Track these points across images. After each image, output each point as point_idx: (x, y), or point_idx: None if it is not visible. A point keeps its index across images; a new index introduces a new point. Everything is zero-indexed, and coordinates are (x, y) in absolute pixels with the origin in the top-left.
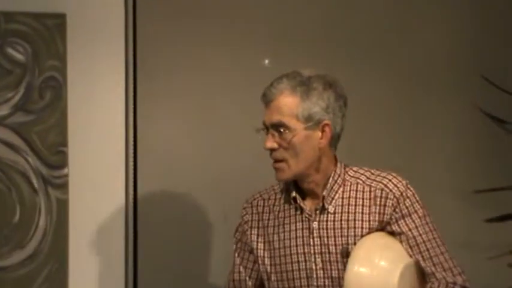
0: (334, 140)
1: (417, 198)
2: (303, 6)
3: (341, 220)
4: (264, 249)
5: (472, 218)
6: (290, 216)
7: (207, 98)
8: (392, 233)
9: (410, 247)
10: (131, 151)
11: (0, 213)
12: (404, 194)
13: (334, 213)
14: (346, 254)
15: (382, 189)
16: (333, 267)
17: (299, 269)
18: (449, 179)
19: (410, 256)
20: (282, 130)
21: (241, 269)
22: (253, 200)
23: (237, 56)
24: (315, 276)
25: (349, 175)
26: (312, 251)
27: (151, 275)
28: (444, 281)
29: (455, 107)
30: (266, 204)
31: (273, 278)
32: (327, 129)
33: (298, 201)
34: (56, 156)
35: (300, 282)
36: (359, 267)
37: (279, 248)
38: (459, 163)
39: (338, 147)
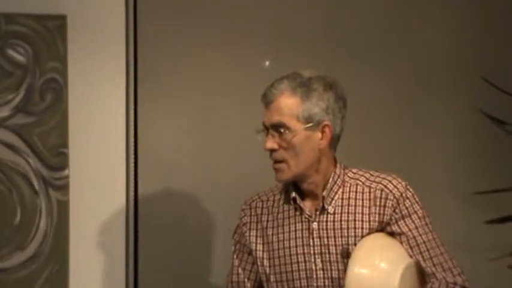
0: (334, 141)
1: (417, 199)
2: (303, 6)
3: (341, 220)
4: (263, 251)
5: (472, 220)
6: (289, 217)
7: (207, 98)
8: (392, 234)
9: (411, 247)
10: (132, 152)
11: (1, 215)
12: (404, 194)
13: (334, 213)
14: (346, 255)
15: (382, 190)
16: (332, 267)
17: (299, 270)
18: (449, 179)
19: (411, 256)
20: (282, 131)
21: (240, 270)
22: (252, 202)
23: (237, 56)
24: (314, 276)
25: (349, 176)
26: (312, 252)
27: (152, 276)
28: (444, 281)
29: (455, 107)
30: (265, 205)
31: (272, 279)
32: (327, 130)
33: (298, 201)
34: (56, 158)
35: (300, 282)
36: (359, 269)
37: (279, 249)
38: (459, 164)
39: (338, 148)
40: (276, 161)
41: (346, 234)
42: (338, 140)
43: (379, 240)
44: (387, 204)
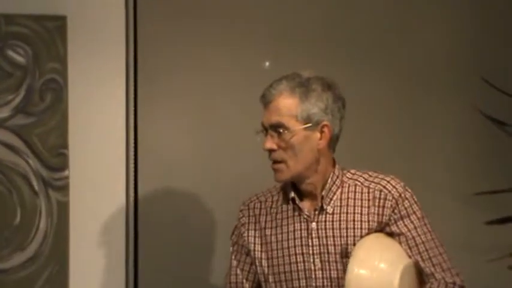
0: (333, 142)
1: (415, 200)
2: (303, 6)
3: (340, 220)
4: (261, 251)
5: (472, 220)
6: (288, 217)
7: (207, 99)
8: (391, 234)
9: (410, 248)
10: (132, 153)
11: (1, 216)
12: (403, 195)
13: (333, 213)
14: (345, 254)
15: (380, 191)
16: (331, 267)
17: (297, 270)
18: (449, 180)
19: (410, 257)
20: (281, 131)
21: (238, 271)
22: (250, 203)
23: (237, 56)
24: (313, 276)
25: (347, 177)
26: (311, 252)
27: (152, 277)
28: (443, 281)
29: (455, 107)
30: (263, 206)
31: (270, 280)
32: (325, 130)
33: (297, 201)
34: (56, 159)
35: (299, 282)
36: (359, 269)
37: (277, 249)
38: (459, 164)
39: (338, 148)
40: (275, 161)
41: (345, 234)
42: (337, 140)
43: (378, 240)
44: (386, 205)
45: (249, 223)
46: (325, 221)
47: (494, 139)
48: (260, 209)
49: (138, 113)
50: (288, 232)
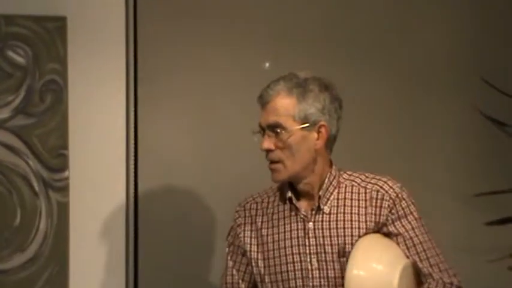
0: (330, 142)
1: (412, 200)
2: (303, 6)
3: (337, 220)
4: (257, 251)
5: (472, 221)
6: (284, 217)
7: (207, 98)
8: (388, 234)
9: (408, 248)
10: (132, 153)
11: (1, 216)
12: (400, 195)
13: (330, 213)
14: (342, 254)
15: (377, 191)
16: (328, 267)
17: (294, 270)
18: (449, 180)
19: (407, 257)
20: (278, 131)
21: (234, 271)
22: (246, 204)
23: (237, 56)
24: (310, 276)
25: (344, 178)
26: (308, 251)
27: (152, 278)
28: (441, 281)
29: (455, 107)
30: (259, 207)
31: (267, 280)
32: (323, 130)
33: (294, 201)
34: (56, 159)
35: (296, 282)
36: (358, 271)
37: (274, 249)
38: (459, 165)
39: (338, 148)
40: (272, 162)
41: (342, 233)
42: (334, 140)
43: (376, 241)
44: (383, 205)
45: (245, 224)
46: (322, 221)
47: (494, 139)
48: (256, 209)
49: (138, 113)
50: (284, 232)
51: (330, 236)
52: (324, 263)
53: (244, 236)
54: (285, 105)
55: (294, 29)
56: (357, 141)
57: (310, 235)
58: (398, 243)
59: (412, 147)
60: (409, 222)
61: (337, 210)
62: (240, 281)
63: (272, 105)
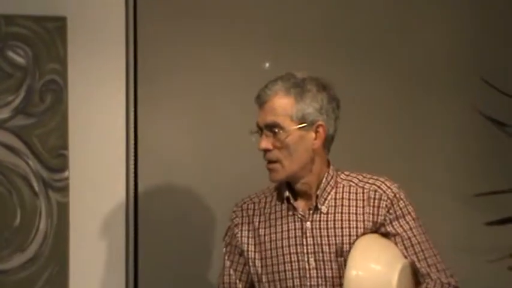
0: (328, 142)
1: (410, 201)
2: (303, 6)
3: (334, 220)
4: (254, 251)
5: (472, 221)
6: (282, 217)
7: (207, 98)
8: (386, 235)
9: (406, 248)
10: (132, 152)
11: (1, 217)
12: (397, 195)
13: (327, 213)
14: (340, 253)
15: (375, 191)
16: (326, 266)
17: (292, 269)
18: (449, 180)
19: (405, 257)
20: (276, 130)
21: (231, 271)
22: (243, 204)
23: (237, 56)
24: (308, 276)
25: (341, 178)
26: (305, 251)
27: (152, 278)
28: (439, 281)
29: (455, 107)
30: (256, 207)
31: (264, 279)
32: (320, 130)
33: (291, 201)
34: (56, 160)
35: (293, 282)
36: (357, 271)
37: (271, 249)
38: (459, 165)
39: (338, 148)
40: (270, 161)
41: (340, 233)
42: (332, 140)
43: (374, 241)
44: (381, 205)
45: (242, 224)
46: (320, 221)
47: (494, 139)
48: (253, 209)
49: (138, 113)
50: (282, 232)
51: (328, 236)
52: (321, 263)
53: (241, 236)
54: (282, 105)
55: (294, 29)
56: (357, 141)
57: (308, 235)
58: (396, 243)
59: (412, 147)
60: (407, 222)
61: (334, 210)
62: (237, 281)
63: (270, 105)
